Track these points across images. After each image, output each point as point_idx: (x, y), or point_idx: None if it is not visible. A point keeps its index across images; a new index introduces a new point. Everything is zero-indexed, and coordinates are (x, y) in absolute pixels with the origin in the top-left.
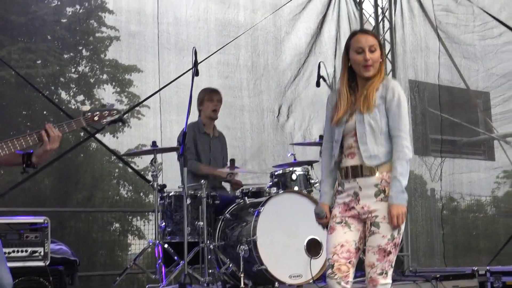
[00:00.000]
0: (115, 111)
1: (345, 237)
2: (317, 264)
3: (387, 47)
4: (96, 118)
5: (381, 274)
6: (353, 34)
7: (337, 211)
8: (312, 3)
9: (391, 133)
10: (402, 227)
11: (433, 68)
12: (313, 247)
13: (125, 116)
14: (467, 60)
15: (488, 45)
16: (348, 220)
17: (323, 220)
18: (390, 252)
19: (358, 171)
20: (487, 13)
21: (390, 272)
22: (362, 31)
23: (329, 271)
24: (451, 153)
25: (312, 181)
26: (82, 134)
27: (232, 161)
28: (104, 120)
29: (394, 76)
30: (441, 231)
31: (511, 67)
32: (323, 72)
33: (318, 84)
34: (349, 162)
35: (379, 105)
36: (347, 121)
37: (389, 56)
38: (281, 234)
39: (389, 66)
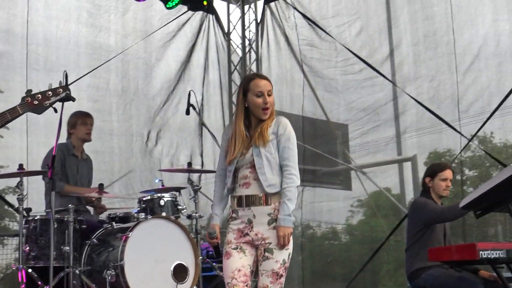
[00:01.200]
0: (61, 89)
1: (241, 262)
2: None
3: None
4: (36, 102)
5: None
6: (251, 78)
7: (232, 237)
8: (182, 31)
9: (281, 163)
10: (291, 250)
11: (298, 100)
12: (180, 272)
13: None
14: (329, 93)
15: (349, 80)
16: (243, 246)
17: (214, 240)
18: (281, 275)
19: (252, 200)
20: (349, 50)
21: None
22: (260, 76)
23: None
24: (311, 182)
25: (180, 207)
26: None
27: (101, 185)
28: (48, 102)
29: None
30: (299, 257)
31: (370, 101)
32: (192, 100)
33: (187, 112)
34: (244, 191)
35: (272, 140)
36: (243, 154)
37: None
38: (148, 259)
39: None
